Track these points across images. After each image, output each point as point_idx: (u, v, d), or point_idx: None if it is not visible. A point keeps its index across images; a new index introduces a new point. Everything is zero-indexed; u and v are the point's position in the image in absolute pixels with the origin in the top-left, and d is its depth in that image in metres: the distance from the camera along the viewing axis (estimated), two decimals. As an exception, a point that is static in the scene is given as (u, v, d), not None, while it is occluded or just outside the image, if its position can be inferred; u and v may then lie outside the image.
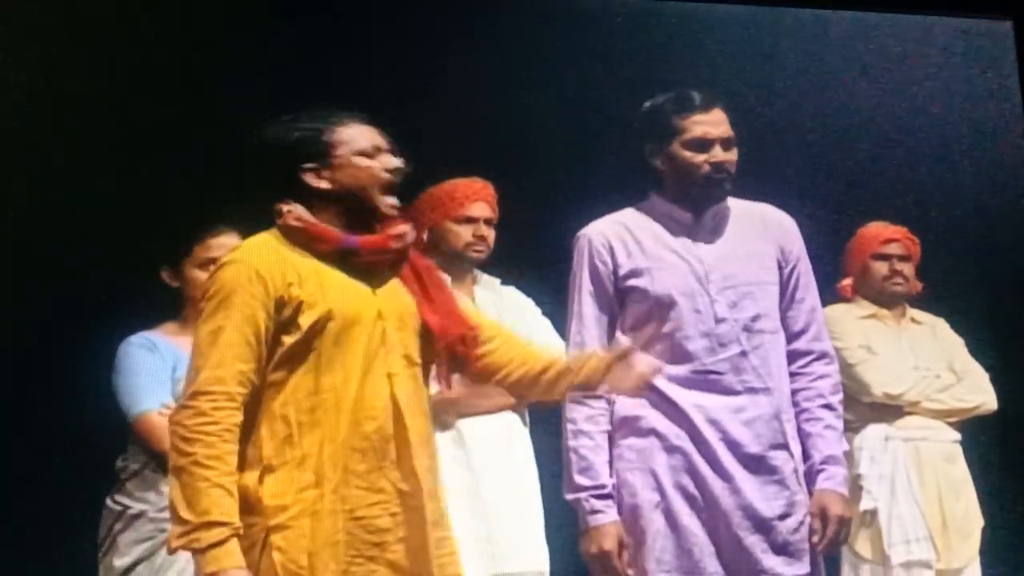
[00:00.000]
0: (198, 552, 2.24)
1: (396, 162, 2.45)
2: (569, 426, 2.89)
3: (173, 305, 3.05)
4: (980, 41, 4.38)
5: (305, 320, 2.33)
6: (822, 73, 4.21)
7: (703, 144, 2.91)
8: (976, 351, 3.60)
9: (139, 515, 2.83)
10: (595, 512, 2.82)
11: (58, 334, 3.12)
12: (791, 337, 2.98)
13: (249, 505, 2.30)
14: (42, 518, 3.00)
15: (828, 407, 2.96)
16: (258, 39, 3.61)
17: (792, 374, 2.97)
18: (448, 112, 3.70)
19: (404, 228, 2.46)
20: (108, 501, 2.87)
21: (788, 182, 3.85)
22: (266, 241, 2.42)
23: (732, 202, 3.04)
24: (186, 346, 2.95)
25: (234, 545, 2.24)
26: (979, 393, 3.51)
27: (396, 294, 2.45)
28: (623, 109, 3.14)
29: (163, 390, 2.90)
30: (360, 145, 2.43)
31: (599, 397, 2.88)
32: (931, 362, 3.53)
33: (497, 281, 3.51)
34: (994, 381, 3.54)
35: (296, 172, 2.42)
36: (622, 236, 2.99)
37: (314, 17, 3.67)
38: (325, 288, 2.36)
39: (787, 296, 3.00)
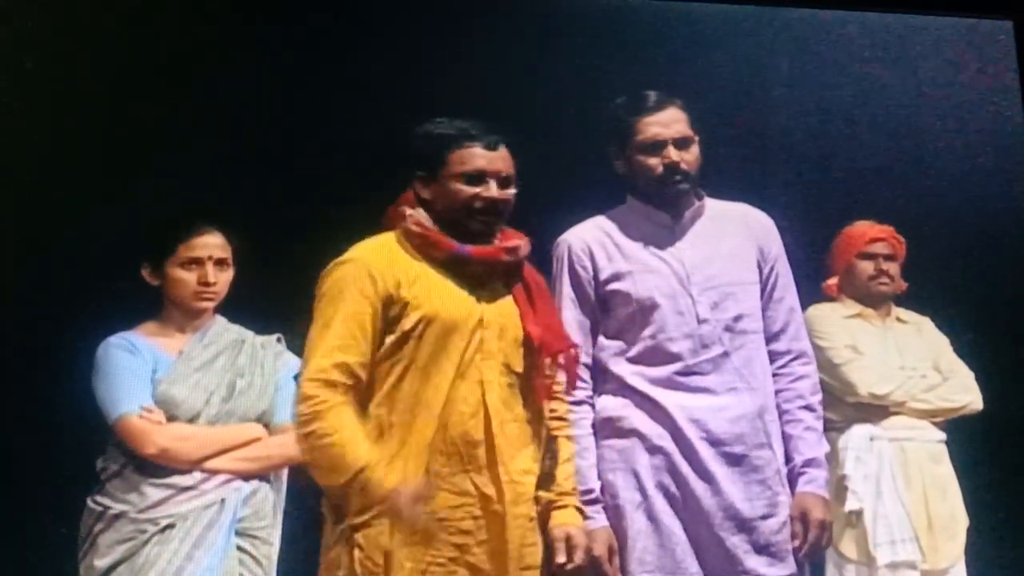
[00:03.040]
0: (370, 495, 2.34)
1: (494, 193, 2.50)
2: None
3: (153, 304, 3.04)
4: (980, 41, 4.35)
5: (408, 321, 2.42)
6: (820, 73, 4.18)
7: (655, 146, 2.92)
8: (961, 350, 3.57)
9: (120, 515, 2.82)
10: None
11: (37, 334, 3.12)
12: (770, 337, 2.97)
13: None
14: (22, 518, 3.00)
15: (808, 408, 2.95)
16: (254, 38, 3.60)
17: (772, 374, 2.95)
18: (446, 113, 3.69)
19: (518, 242, 2.54)
20: (88, 501, 2.86)
21: (781, 180, 3.83)
22: (384, 242, 2.52)
23: (710, 202, 3.04)
24: (166, 346, 3.00)
25: (381, 472, 2.33)
26: (965, 393, 3.48)
27: (502, 305, 2.52)
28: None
29: (143, 392, 2.89)
30: (468, 169, 2.49)
31: (580, 401, 2.87)
32: (917, 362, 3.51)
33: None
34: (979, 380, 3.51)
35: (412, 176, 2.54)
36: (602, 240, 2.98)
37: (314, 17, 3.67)
38: (431, 292, 2.44)
39: (766, 295, 2.99)
